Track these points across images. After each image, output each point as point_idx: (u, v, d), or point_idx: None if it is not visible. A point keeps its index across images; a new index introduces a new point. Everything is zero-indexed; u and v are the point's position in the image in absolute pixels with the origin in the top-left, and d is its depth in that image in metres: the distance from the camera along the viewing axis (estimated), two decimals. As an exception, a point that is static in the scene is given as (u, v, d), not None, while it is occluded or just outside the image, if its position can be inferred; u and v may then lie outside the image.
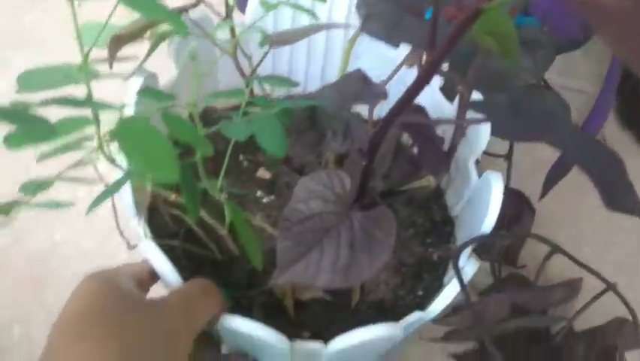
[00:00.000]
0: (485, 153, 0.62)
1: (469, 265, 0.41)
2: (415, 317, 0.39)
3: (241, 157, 0.52)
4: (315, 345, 0.38)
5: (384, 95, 0.37)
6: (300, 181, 0.36)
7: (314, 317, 0.43)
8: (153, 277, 0.39)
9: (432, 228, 0.49)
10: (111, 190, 0.31)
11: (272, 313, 0.42)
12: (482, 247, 0.63)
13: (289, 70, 0.58)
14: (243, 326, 0.36)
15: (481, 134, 0.46)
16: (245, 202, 0.48)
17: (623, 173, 0.29)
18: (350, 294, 0.42)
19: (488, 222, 0.41)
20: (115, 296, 0.34)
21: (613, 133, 0.79)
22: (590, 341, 0.50)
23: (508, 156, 0.63)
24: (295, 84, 0.37)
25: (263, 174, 0.51)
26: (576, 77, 0.81)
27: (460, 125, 0.40)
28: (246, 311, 0.40)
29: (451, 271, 0.43)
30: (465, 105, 0.41)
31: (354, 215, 0.35)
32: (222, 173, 0.35)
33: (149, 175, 0.34)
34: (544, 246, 0.66)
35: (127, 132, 0.26)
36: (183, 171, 0.33)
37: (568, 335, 0.51)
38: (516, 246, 0.67)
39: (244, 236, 0.37)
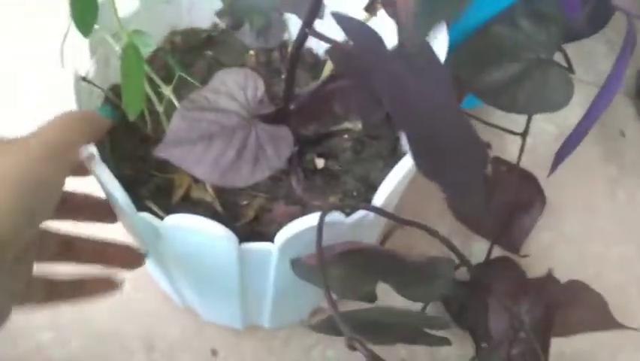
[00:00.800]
0: (501, 128, 0.61)
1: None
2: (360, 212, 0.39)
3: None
4: (266, 245, 0.38)
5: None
6: (220, 72, 0.36)
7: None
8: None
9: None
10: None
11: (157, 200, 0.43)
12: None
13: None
14: (193, 224, 0.36)
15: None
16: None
17: (479, 169, 0.28)
18: (241, 213, 0.43)
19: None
20: None
21: (633, 129, 0.76)
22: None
23: (524, 134, 0.60)
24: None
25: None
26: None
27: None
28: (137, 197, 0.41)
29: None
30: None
31: (255, 124, 0.36)
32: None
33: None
34: (550, 235, 0.65)
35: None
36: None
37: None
38: (521, 234, 0.65)
39: (128, 81, 0.36)
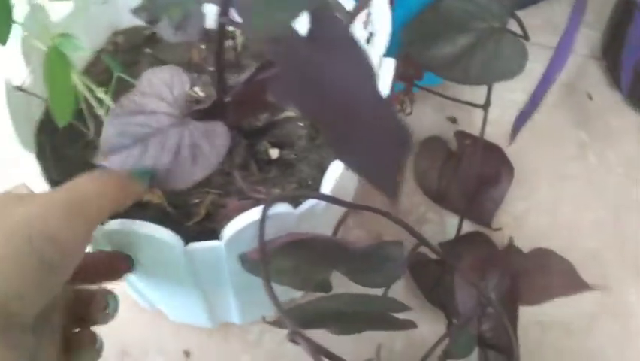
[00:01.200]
0: (461, 101, 0.61)
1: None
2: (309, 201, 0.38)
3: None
4: (212, 243, 0.37)
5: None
6: (146, 73, 0.35)
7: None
8: None
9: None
10: None
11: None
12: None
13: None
14: (137, 229, 0.36)
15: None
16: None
17: (401, 153, 0.26)
18: (193, 211, 0.42)
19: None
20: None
21: (601, 91, 0.74)
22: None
23: (485, 106, 0.59)
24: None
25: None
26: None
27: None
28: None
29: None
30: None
31: (188, 122, 0.35)
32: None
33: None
34: (522, 204, 0.64)
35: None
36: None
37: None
38: (491, 206, 0.64)
39: (54, 87, 0.35)
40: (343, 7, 0.39)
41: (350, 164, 0.24)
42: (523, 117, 0.55)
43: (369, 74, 0.26)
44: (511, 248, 0.49)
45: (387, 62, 0.42)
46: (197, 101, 0.48)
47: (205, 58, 0.50)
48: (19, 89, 0.42)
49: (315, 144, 0.48)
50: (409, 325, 0.40)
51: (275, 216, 0.36)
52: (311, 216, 0.39)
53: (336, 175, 0.39)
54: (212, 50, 0.45)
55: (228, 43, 0.52)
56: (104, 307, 0.37)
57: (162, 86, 0.35)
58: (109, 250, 0.39)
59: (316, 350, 0.27)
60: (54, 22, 0.45)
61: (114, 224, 0.36)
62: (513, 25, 0.52)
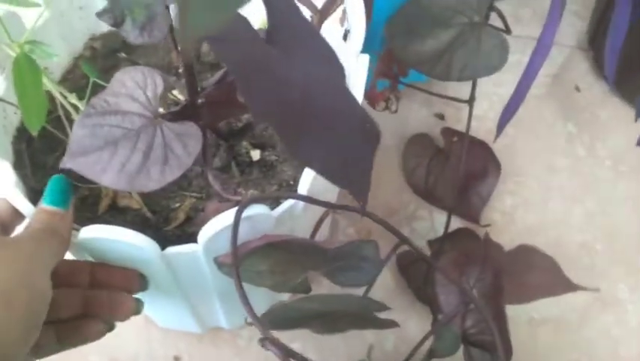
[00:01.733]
0: (447, 97, 0.60)
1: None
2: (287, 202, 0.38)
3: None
4: (189, 247, 0.37)
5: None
6: (118, 73, 0.35)
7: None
8: (15, 215, 0.37)
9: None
10: None
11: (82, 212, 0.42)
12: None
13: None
14: (111, 235, 0.35)
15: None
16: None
17: (369, 148, 0.26)
18: (172, 216, 0.42)
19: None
20: None
21: (588, 83, 0.74)
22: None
23: (470, 101, 0.59)
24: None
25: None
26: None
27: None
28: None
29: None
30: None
31: (161, 123, 0.34)
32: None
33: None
34: (511, 200, 0.64)
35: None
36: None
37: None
38: (478, 202, 0.64)
39: (24, 95, 0.35)
40: (312, 4, 0.38)
41: (311, 165, 0.23)
42: (507, 113, 0.55)
43: (333, 68, 0.25)
44: (489, 243, 0.48)
45: (362, 57, 0.42)
46: (177, 104, 0.48)
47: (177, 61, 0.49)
48: (-6, 98, 0.42)
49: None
50: (390, 324, 0.40)
51: (251, 218, 0.36)
52: (289, 218, 0.39)
53: (312, 175, 0.38)
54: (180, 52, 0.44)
55: (205, 48, 0.52)
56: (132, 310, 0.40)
57: (135, 87, 0.34)
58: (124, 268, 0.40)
59: (286, 353, 0.27)
60: (30, 30, 0.44)
61: (89, 231, 0.36)
62: (497, 19, 0.51)
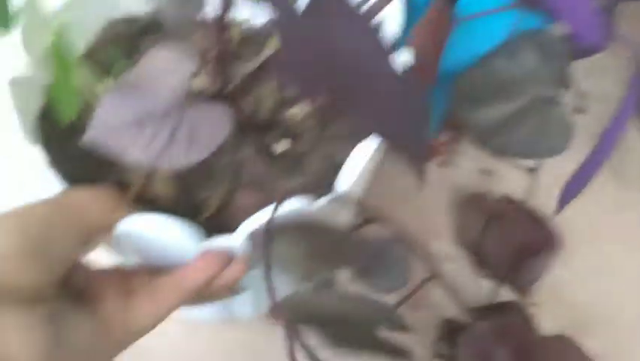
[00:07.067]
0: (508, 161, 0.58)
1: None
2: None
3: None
4: (230, 239, 0.36)
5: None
6: (151, 51, 0.35)
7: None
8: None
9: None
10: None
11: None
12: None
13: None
14: (147, 225, 0.35)
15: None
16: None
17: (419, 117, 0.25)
18: (205, 206, 0.41)
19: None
20: None
21: None
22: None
23: (533, 170, 0.56)
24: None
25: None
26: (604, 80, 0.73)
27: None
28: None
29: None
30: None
31: (190, 105, 0.34)
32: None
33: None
34: (563, 278, 0.59)
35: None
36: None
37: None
38: (531, 277, 0.60)
39: (60, 86, 0.35)
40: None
41: (374, 128, 0.23)
42: (574, 188, 0.51)
43: (378, 45, 0.25)
44: (526, 325, 0.45)
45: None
46: (200, 90, 0.48)
47: (207, 47, 0.49)
48: (22, 80, 0.41)
49: (326, 135, 0.46)
50: (403, 353, 0.36)
51: (292, 212, 0.35)
52: (324, 214, 0.37)
53: (354, 172, 0.37)
54: (213, 38, 0.45)
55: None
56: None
57: (166, 67, 0.35)
58: None
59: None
60: (51, 12, 0.44)
61: (126, 223, 0.35)
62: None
